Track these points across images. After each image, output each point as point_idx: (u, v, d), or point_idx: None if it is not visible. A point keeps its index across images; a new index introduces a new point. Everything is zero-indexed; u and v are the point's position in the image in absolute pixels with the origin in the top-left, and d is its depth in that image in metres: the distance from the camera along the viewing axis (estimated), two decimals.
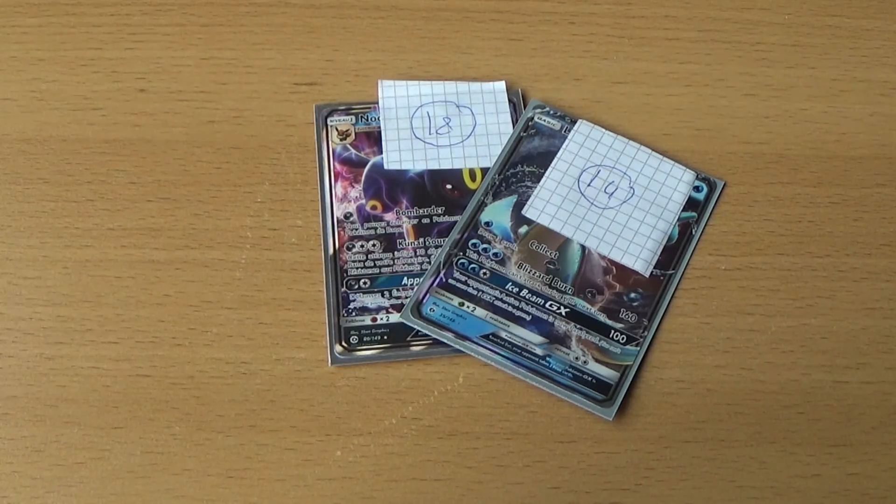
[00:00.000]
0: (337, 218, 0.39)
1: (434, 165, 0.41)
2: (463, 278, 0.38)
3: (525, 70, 0.43)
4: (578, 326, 0.37)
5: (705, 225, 0.40)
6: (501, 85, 0.43)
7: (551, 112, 0.42)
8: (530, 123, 0.42)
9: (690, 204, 0.40)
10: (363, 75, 0.43)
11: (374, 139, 0.41)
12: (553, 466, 0.35)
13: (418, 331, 0.37)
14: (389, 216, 0.40)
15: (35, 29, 0.43)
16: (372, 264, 0.38)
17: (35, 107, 0.42)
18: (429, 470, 0.35)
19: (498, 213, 0.39)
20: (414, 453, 0.35)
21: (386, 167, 0.41)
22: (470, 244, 0.39)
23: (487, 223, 0.39)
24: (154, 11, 0.44)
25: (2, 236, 0.39)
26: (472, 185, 0.40)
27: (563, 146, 0.41)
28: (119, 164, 0.41)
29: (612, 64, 0.44)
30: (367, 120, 0.42)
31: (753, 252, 0.40)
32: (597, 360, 0.37)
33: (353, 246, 0.39)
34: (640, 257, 0.39)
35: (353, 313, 0.37)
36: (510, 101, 0.42)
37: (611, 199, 0.40)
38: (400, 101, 0.42)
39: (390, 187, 0.40)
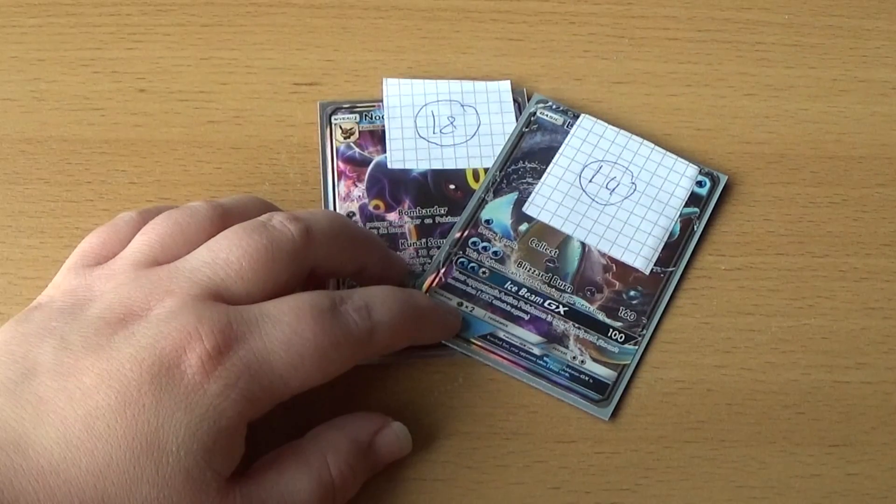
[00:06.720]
0: None
1: (437, 165, 0.41)
2: (462, 277, 0.38)
3: (525, 70, 0.44)
4: (577, 325, 0.37)
5: (708, 220, 0.40)
6: (507, 84, 0.43)
7: (554, 107, 0.42)
8: (532, 119, 0.42)
9: (693, 199, 0.40)
10: (363, 75, 0.43)
11: (377, 138, 0.41)
12: (553, 466, 0.35)
13: None
14: (392, 216, 0.39)
15: (35, 29, 0.43)
16: None
17: (35, 107, 0.42)
18: (429, 470, 0.35)
19: (498, 211, 0.39)
20: (414, 453, 0.35)
21: (389, 166, 0.41)
22: (470, 243, 0.39)
23: (488, 221, 0.39)
24: (154, 11, 0.44)
25: (2, 236, 0.39)
26: (475, 186, 0.40)
27: (566, 141, 0.41)
28: (119, 164, 0.41)
29: (612, 64, 0.44)
30: (372, 118, 0.42)
31: (753, 252, 0.40)
32: (594, 360, 0.37)
33: None
34: (640, 254, 0.39)
35: None
36: (514, 100, 0.42)
37: (612, 195, 0.40)
38: (405, 100, 0.42)
39: (393, 187, 0.40)
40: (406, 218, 0.39)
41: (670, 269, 0.39)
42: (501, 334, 0.37)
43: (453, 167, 0.41)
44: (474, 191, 0.40)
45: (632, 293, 0.38)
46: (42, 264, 0.38)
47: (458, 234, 0.39)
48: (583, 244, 0.39)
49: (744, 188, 0.41)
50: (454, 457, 0.35)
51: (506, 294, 0.38)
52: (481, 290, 0.38)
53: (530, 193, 0.40)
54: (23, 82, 0.42)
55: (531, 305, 0.38)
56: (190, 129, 0.41)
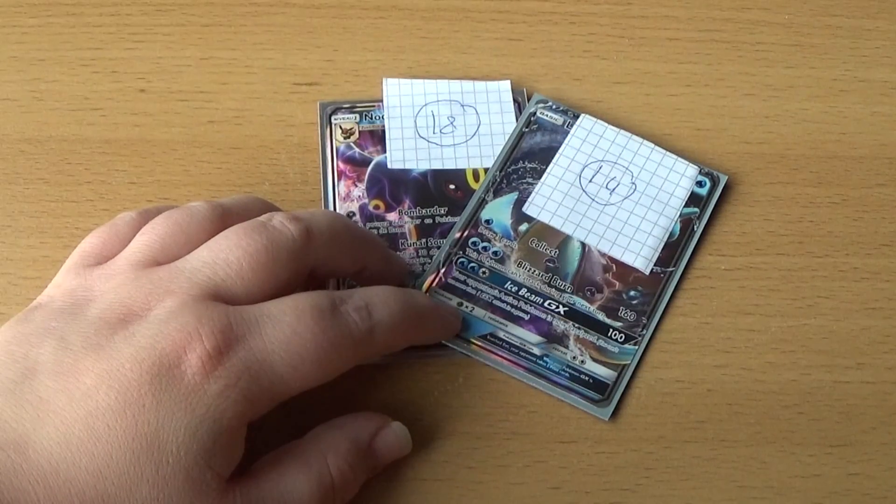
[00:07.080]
0: None
1: (437, 165, 0.41)
2: (462, 277, 0.38)
3: (525, 70, 0.44)
4: (577, 325, 0.37)
5: (708, 220, 0.40)
6: (506, 84, 0.43)
7: (554, 107, 0.42)
8: (532, 118, 0.42)
9: (693, 199, 0.40)
10: (363, 75, 0.43)
11: (377, 138, 0.41)
12: (553, 466, 0.35)
13: None
14: (392, 216, 0.39)
15: (35, 29, 0.43)
16: None
17: (35, 107, 0.42)
18: (429, 470, 0.35)
19: (498, 211, 0.39)
20: (414, 453, 0.35)
21: (389, 166, 0.41)
22: (470, 243, 0.39)
23: (488, 221, 0.39)
24: (154, 11, 0.44)
25: (2, 236, 0.39)
26: (475, 186, 0.40)
27: (566, 141, 0.41)
28: (119, 164, 0.41)
29: (612, 64, 0.44)
30: (372, 118, 0.42)
31: (753, 252, 0.40)
32: (594, 360, 0.37)
33: None
34: (640, 254, 0.39)
35: None
36: (514, 100, 0.42)
37: (612, 195, 0.40)
38: (405, 100, 0.42)
39: (393, 187, 0.40)
40: (406, 218, 0.39)
41: (670, 269, 0.39)
42: (501, 334, 0.37)
43: (453, 167, 0.41)
44: (474, 191, 0.40)
45: (632, 293, 0.38)
46: (42, 264, 0.38)
47: (458, 234, 0.39)
48: (583, 244, 0.39)
49: (744, 188, 0.41)
50: (454, 457, 0.35)
51: (506, 294, 0.38)
52: (481, 290, 0.38)
53: (530, 193, 0.40)
54: (23, 82, 0.42)
55: (531, 305, 0.38)
56: (190, 129, 0.41)
